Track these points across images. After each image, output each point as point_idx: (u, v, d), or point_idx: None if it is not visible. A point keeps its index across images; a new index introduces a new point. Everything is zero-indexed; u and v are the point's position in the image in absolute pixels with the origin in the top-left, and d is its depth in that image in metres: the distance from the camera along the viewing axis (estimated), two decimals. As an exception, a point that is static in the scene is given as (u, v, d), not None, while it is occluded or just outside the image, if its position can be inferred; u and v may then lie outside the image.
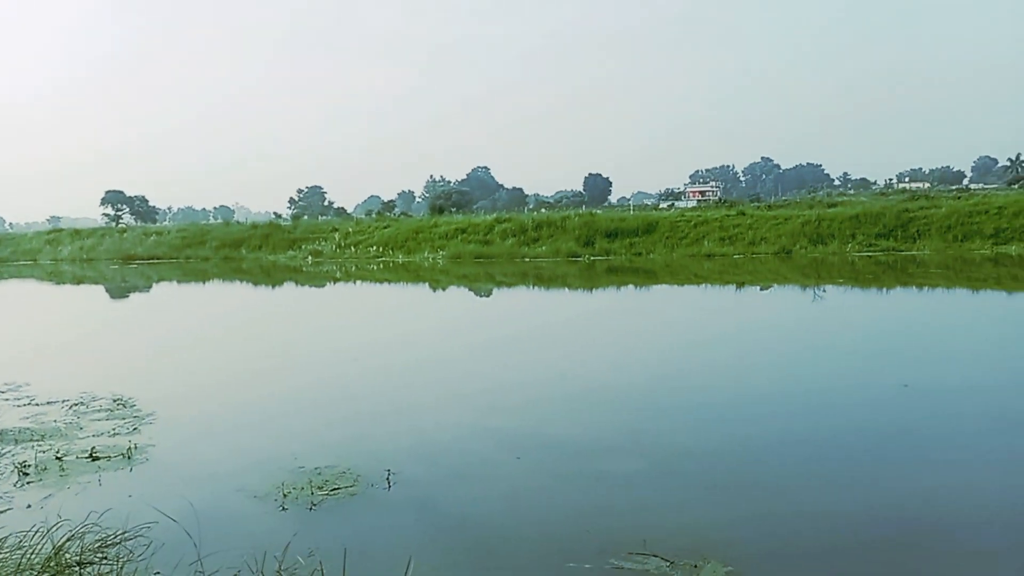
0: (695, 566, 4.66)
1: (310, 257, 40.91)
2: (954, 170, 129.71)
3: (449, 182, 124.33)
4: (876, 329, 14.66)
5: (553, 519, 5.65)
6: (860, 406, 8.64)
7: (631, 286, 25.20)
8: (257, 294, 28.24)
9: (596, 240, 34.67)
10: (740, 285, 23.51)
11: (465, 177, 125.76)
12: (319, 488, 6.35)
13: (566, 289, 25.22)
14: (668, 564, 4.71)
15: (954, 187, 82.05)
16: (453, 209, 66.90)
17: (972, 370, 10.38)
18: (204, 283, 32.85)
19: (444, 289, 26.69)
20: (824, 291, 20.72)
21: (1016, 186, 67.71)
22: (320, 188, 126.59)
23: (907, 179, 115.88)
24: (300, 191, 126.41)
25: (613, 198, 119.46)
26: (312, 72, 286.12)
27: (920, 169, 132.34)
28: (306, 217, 78.83)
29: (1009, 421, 7.84)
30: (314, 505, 6.05)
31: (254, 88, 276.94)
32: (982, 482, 6.15)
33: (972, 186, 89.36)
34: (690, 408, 8.87)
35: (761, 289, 22.67)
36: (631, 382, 10.40)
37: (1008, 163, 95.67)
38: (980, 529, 5.30)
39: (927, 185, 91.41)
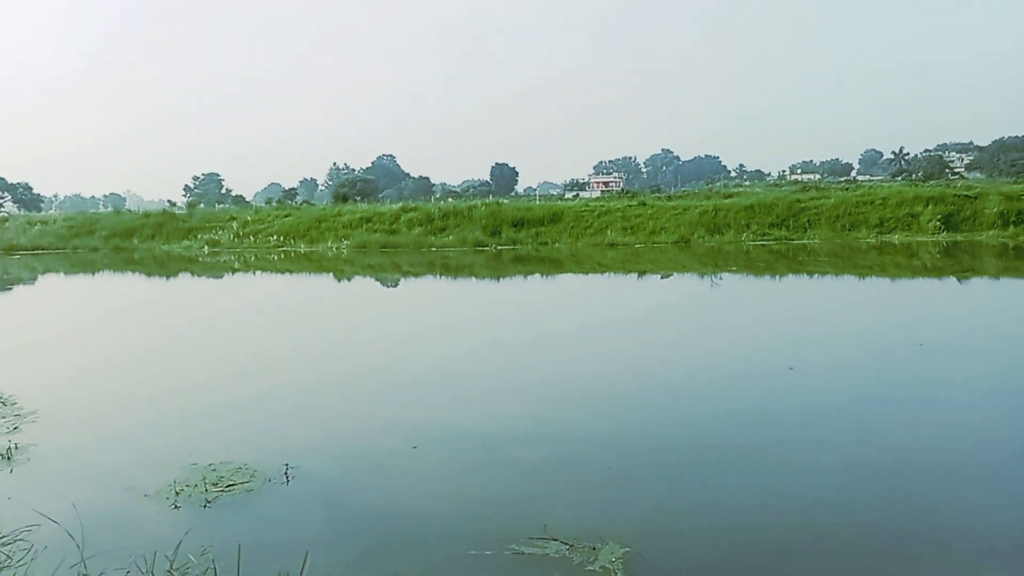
0: (593, 548, 4.76)
1: (206, 247, 39.51)
2: (843, 162, 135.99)
3: (353, 170, 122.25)
4: (767, 315, 15.26)
5: (456, 508, 5.66)
6: (752, 390, 8.99)
7: (538, 275, 25.42)
8: (150, 286, 27.12)
9: (503, 229, 34.78)
10: (642, 273, 24.06)
11: (370, 165, 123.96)
12: (214, 485, 6.16)
13: (473, 279, 25.22)
14: (568, 547, 4.79)
15: (843, 179, 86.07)
16: (358, 198, 65.79)
17: (855, 352, 10.94)
18: (93, 274, 31.32)
19: (349, 279, 26.28)
20: (721, 279, 21.44)
21: (899, 178, 71.57)
22: (217, 175, 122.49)
23: (799, 171, 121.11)
24: (196, 178, 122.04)
25: (520, 188, 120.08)
26: (206, 54, 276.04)
27: (811, 161, 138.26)
28: (202, 205, 76.06)
29: (888, 399, 8.30)
30: (208, 502, 5.87)
31: (147, 69, 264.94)
32: (870, 460, 6.49)
33: (859, 178, 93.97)
34: (594, 395, 9.00)
35: (662, 277, 23.26)
36: (537, 370, 10.48)
37: (892, 156, 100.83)
38: (870, 503, 5.59)
39: (818, 177, 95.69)
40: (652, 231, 32.93)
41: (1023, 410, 7.78)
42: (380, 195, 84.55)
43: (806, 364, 10.06)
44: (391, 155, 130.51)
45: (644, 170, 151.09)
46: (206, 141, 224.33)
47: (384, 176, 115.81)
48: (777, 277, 22.24)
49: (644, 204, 36.06)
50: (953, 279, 20.07)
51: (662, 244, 31.41)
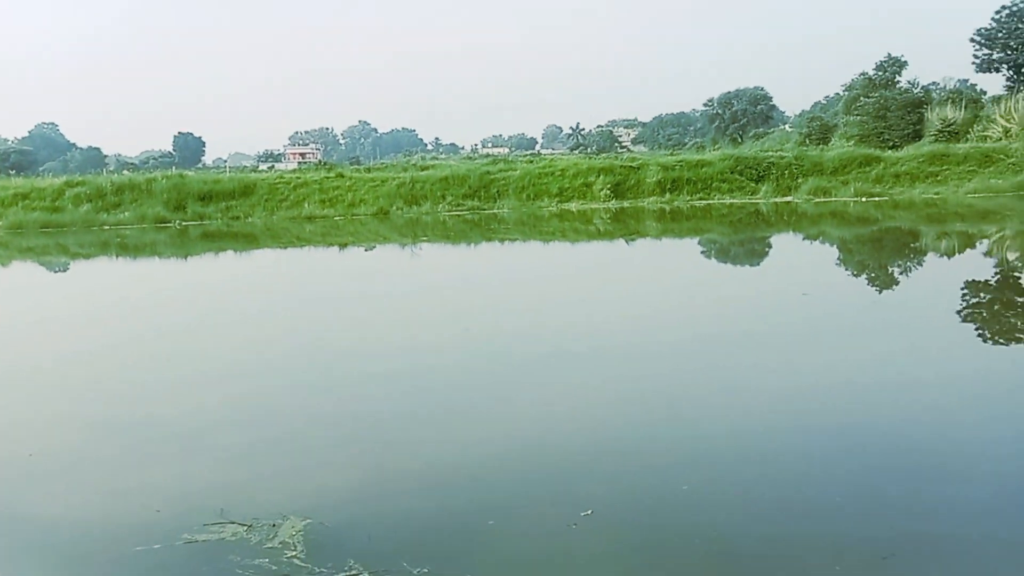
0: (274, 525, 4.61)
1: None
2: (528, 137, 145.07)
3: (7, 140, 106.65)
4: (461, 280, 15.88)
5: (121, 507, 5.16)
6: (440, 355, 9.29)
7: (231, 251, 24.26)
8: None
9: (188, 204, 32.38)
10: (343, 246, 23.87)
11: (27, 135, 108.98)
12: None
13: (156, 258, 23.33)
14: (246, 528, 4.59)
15: (528, 152, 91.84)
16: (12, 171, 57.50)
17: (536, 312, 11.78)
18: None
19: (5, 265, 22.96)
20: (420, 248, 21.98)
21: (577, 151, 77.90)
22: None
23: (490, 144, 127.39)
24: None
25: (208, 159, 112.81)
26: None
27: (501, 135, 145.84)
28: None
29: (567, 355, 9.04)
30: None
31: None
32: (558, 418, 7.00)
33: (543, 151, 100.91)
34: (292, 373, 8.70)
35: (366, 249, 23.27)
36: (230, 352, 9.97)
37: (571, 131, 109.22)
38: (561, 450, 6.01)
39: (507, 150, 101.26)
40: (351, 203, 32.69)
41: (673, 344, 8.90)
42: (40, 168, 74.67)
43: (483, 324, 10.65)
44: (53, 123, 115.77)
45: (342, 142, 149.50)
46: None
47: (45, 147, 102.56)
48: (472, 245, 23.33)
49: (342, 176, 35.60)
50: (622, 241, 22.40)
51: (362, 216, 31.33)
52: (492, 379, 8.00)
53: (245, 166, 79.20)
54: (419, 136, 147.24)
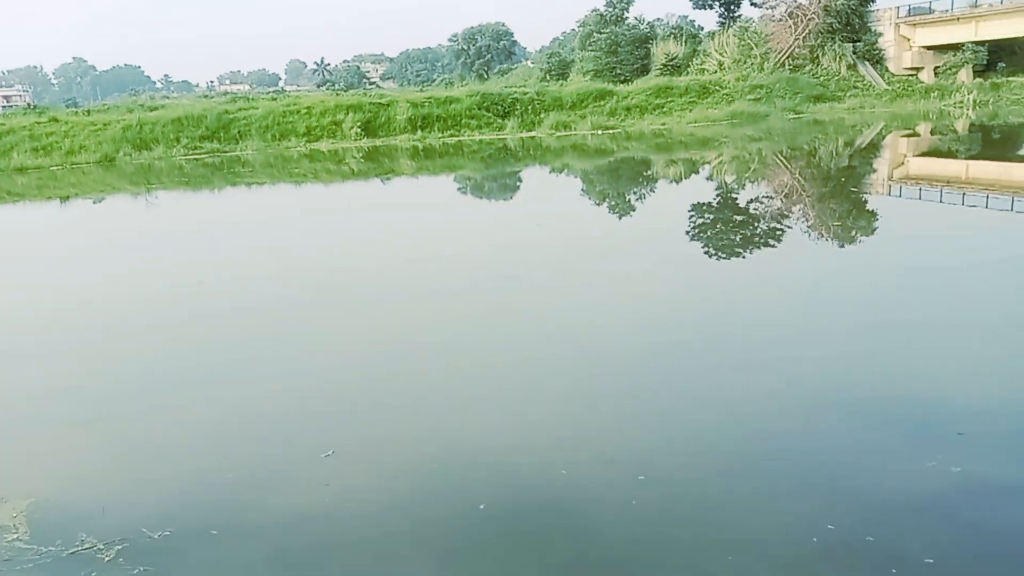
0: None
1: None
2: (270, 73, 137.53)
3: None
4: (200, 230, 14.97)
5: None
6: (172, 313, 8.77)
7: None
8: None
9: None
10: (65, 199, 21.51)
11: None
12: None
13: None
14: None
15: (271, 89, 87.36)
16: None
17: (286, 264, 11.46)
18: None
19: None
20: (156, 197, 20.36)
21: (323, 88, 75.16)
22: None
23: (228, 81, 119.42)
24: None
25: None
26: None
27: (240, 71, 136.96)
28: None
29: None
30: None
31: None
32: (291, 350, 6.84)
33: (287, 88, 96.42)
34: (9, 345, 7.78)
35: (94, 202, 21.14)
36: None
37: (316, 66, 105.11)
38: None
39: (247, 87, 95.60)
40: (70, 151, 29.45)
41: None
42: None
43: (221, 277, 10.23)
44: None
45: (55, 82, 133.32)
46: None
47: None
48: (215, 190, 21.97)
49: (57, 120, 31.90)
50: (377, 180, 22.14)
51: (83, 164, 28.32)
52: (234, 337, 7.58)
53: (-67, 111, 68.36)
54: (145, 73, 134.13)
